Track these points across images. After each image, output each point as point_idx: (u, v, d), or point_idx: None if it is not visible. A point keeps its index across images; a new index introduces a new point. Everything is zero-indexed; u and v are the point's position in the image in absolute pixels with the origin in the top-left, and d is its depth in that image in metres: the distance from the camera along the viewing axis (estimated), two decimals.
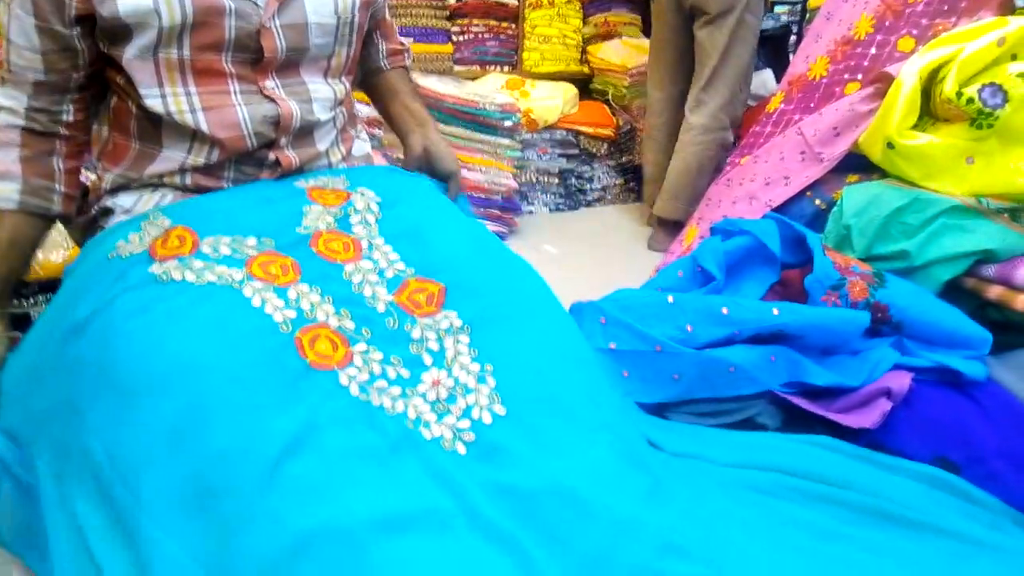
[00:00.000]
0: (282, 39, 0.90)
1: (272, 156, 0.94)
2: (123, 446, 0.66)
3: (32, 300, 1.45)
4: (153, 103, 0.86)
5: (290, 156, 0.95)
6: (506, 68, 3.21)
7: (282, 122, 0.92)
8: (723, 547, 0.78)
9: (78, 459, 0.68)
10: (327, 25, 0.93)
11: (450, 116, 2.59)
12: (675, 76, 2.72)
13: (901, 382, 1.06)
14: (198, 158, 0.90)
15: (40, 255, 1.35)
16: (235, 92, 0.89)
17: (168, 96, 0.86)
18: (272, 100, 0.91)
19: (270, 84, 0.91)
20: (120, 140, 0.92)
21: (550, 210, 3.08)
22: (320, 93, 0.96)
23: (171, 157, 0.90)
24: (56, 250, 1.43)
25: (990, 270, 1.19)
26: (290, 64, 0.93)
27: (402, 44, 1.20)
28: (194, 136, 0.89)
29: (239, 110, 0.89)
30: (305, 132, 0.96)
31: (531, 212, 3.04)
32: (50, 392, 0.74)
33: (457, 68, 3.10)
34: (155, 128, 0.89)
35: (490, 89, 2.84)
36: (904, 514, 0.88)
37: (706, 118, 2.51)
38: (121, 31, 0.83)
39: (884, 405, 1.05)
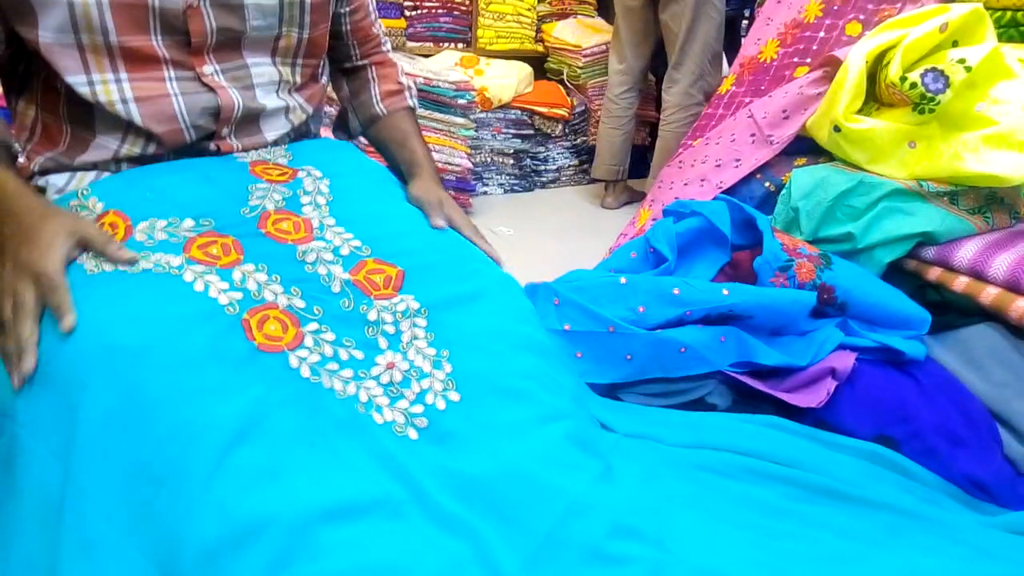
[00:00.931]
0: (212, 20, 0.83)
1: (213, 146, 0.88)
2: (63, 438, 0.63)
3: None
4: (82, 91, 0.79)
5: (232, 145, 0.89)
6: (460, 45, 3.16)
7: (222, 113, 0.86)
8: (674, 526, 0.79)
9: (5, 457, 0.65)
10: (268, 5, 0.87)
11: None
12: (637, 50, 2.75)
13: (845, 362, 1.09)
14: (133, 148, 0.84)
15: None
16: (170, 80, 0.83)
17: (96, 84, 0.79)
18: (211, 89, 0.85)
19: (208, 69, 0.85)
20: (50, 122, 0.85)
21: (504, 191, 3.06)
22: (264, 76, 0.90)
23: (104, 145, 0.83)
24: None
25: (930, 252, 1.22)
26: (230, 45, 0.86)
27: (400, 84, 1.11)
28: (128, 126, 0.83)
29: (175, 101, 0.83)
30: (249, 120, 0.90)
31: (485, 193, 3.02)
32: None
33: (410, 44, 3.05)
34: (87, 113, 0.82)
35: (444, 66, 2.80)
36: (846, 490, 0.91)
37: (679, 96, 2.58)
38: (23, 8, 0.75)
39: (829, 384, 1.08)
